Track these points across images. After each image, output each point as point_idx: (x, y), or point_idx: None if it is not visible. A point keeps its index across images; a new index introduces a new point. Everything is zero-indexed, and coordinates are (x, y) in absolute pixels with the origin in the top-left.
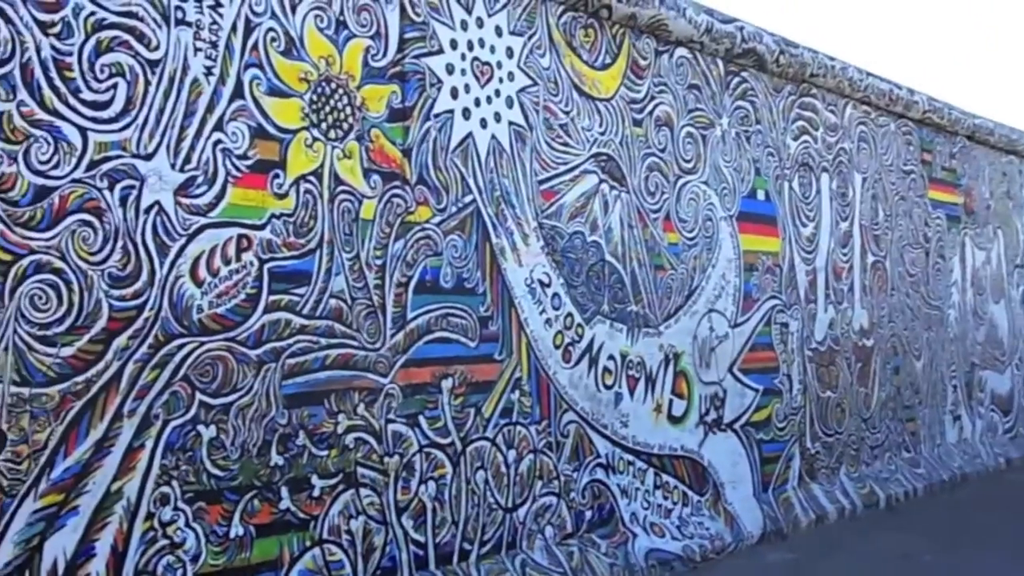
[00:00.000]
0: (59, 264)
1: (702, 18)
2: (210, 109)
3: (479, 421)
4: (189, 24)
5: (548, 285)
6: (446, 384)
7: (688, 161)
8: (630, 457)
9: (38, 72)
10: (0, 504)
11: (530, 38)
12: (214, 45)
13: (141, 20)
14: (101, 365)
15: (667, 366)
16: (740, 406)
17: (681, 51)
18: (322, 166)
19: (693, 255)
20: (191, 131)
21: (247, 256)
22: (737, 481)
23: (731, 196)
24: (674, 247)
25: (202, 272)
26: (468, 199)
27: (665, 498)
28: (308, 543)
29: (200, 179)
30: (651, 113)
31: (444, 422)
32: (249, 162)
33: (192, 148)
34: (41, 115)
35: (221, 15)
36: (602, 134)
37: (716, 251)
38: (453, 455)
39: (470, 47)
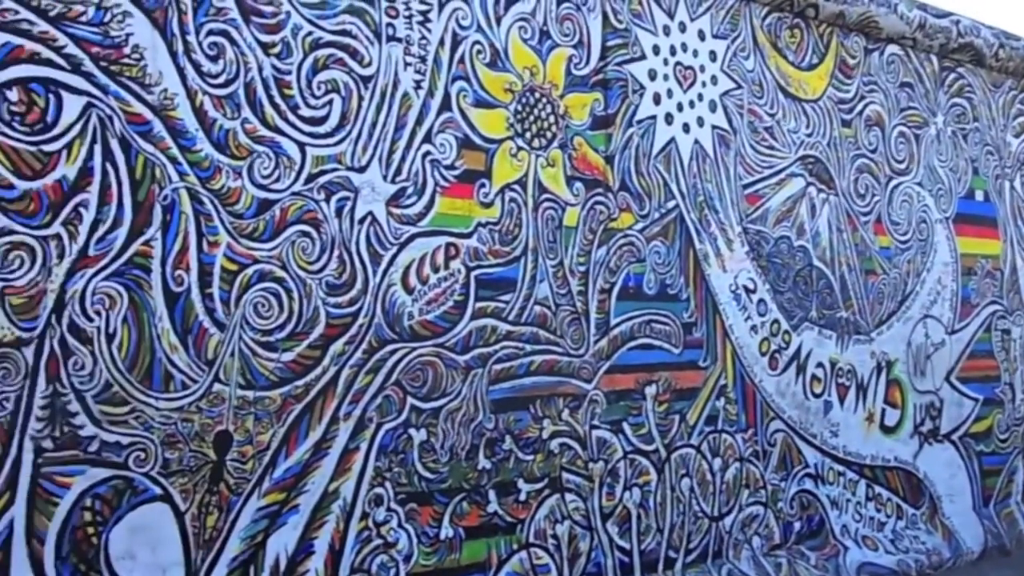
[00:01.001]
0: (280, 273)
1: (915, 13)
2: (419, 122)
3: (684, 428)
4: (399, 40)
5: (753, 291)
6: (650, 391)
7: (900, 162)
8: (840, 467)
9: (260, 91)
10: (227, 502)
11: (733, 40)
12: (423, 59)
13: (354, 38)
14: (319, 370)
15: (879, 374)
16: (958, 416)
17: (892, 48)
18: (526, 175)
19: (906, 259)
20: (401, 143)
21: (455, 264)
22: (955, 494)
23: (947, 197)
24: (886, 251)
25: (412, 280)
26: (671, 205)
27: (878, 510)
28: (515, 546)
29: (410, 190)
30: (861, 113)
31: (648, 429)
32: (456, 172)
33: (403, 160)
34: (263, 131)
35: (429, 30)
36: (809, 136)
37: (931, 254)
38: (657, 462)
39: (672, 52)
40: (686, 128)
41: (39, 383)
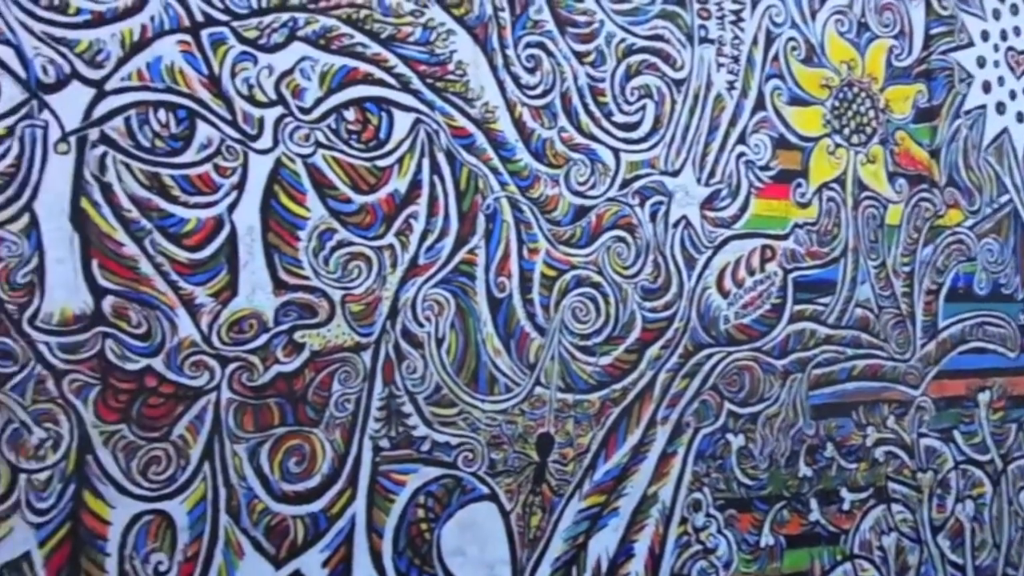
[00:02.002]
0: (597, 278)
1: None
2: (732, 123)
3: (1021, 438)
4: (711, 41)
5: None
6: (983, 397)
7: None
8: None
9: (575, 100)
10: (550, 502)
11: None
12: (735, 60)
13: (667, 42)
14: (635, 374)
15: None
16: None
17: None
18: (844, 172)
19: None
20: (715, 146)
21: (771, 266)
22: None
23: None
24: None
25: (727, 283)
26: (1004, 199)
27: None
28: (839, 557)
29: (724, 192)
30: None
31: (982, 438)
32: (771, 173)
33: (716, 162)
34: (579, 139)
35: (742, 29)
36: None
37: None
38: (993, 473)
39: (1004, 37)
40: (1020, 117)
41: (376, 385)
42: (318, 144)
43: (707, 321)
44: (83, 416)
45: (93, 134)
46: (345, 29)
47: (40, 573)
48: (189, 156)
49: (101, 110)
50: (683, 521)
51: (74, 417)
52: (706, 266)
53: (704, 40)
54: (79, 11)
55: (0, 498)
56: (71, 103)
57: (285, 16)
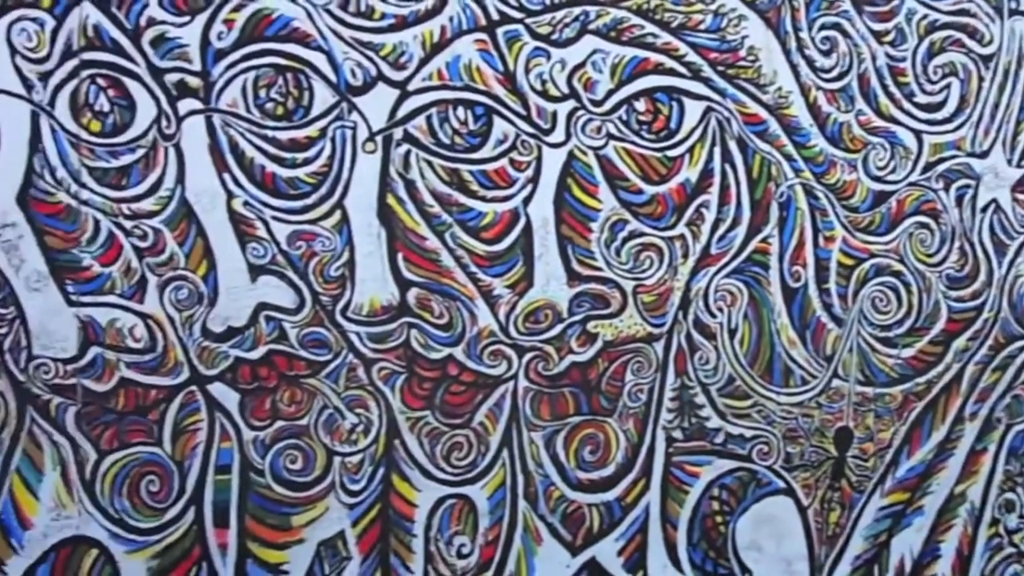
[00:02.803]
0: (898, 267)
1: None
2: None
3: None
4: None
5: None
6: None
7: None
8: None
9: (874, 81)
10: (850, 499)
11: None
12: None
13: (973, 16)
14: (941, 367)
15: None
16: None
17: None
18: None
19: None
20: None
21: None
22: None
23: None
24: None
25: None
26: None
27: None
28: None
29: None
30: None
31: None
32: None
33: None
34: (877, 122)
35: None
36: None
37: None
38: None
39: None
40: None
41: (668, 376)
42: (609, 136)
43: (1019, 311)
44: (391, 402)
45: (397, 133)
46: (635, 20)
47: (353, 551)
48: (486, 152)
49: (404, 110)
50: (994, 522)
51: (383, 403)
52: (1018, 253)
53: (1015, 12)
54: (383, 16)
55: (316, 479)
56: (377, 104)
57: (577, 10)
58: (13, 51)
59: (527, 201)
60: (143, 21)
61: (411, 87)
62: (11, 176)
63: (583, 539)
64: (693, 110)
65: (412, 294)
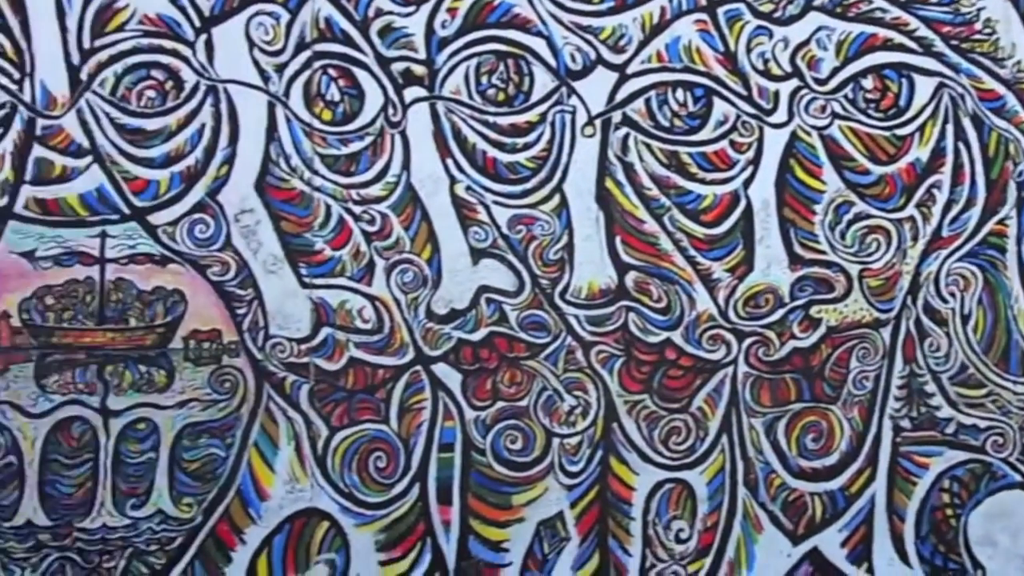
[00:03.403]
0: None
1: None
2: None
3: None
4: None
5: None
6: None
7: None
8: None
9: None
10: None
11: None
12: None
13: None
14: None
15: None
16: None
17: None
18: None
19: None
20: None
21: None
22: None
23: None
24: None
25: None
26: None
27: None
28: None
29: None
30: None
31: None
32: None
33: None
34: None
35: None
36: None
37: None
38: None
39: None
40: None
41: (896, 363)
42: (834, 115)
43: None
44: (609, 385)
45: (616, 116)
46: None
47: (572, 531)
48: (706, 133)
49: (623, 93)
50: None
51: (601, 386)
52: None
53: None
54: None
55: (536, 460)
56: (596, 88)
57: None
58: (251, 44)
59: (748, 183)
60: (371, 12)
61: (630, 70)
62: (249, 164)
63: (805, 528)
64: (924, 87)
65: (630, 277)
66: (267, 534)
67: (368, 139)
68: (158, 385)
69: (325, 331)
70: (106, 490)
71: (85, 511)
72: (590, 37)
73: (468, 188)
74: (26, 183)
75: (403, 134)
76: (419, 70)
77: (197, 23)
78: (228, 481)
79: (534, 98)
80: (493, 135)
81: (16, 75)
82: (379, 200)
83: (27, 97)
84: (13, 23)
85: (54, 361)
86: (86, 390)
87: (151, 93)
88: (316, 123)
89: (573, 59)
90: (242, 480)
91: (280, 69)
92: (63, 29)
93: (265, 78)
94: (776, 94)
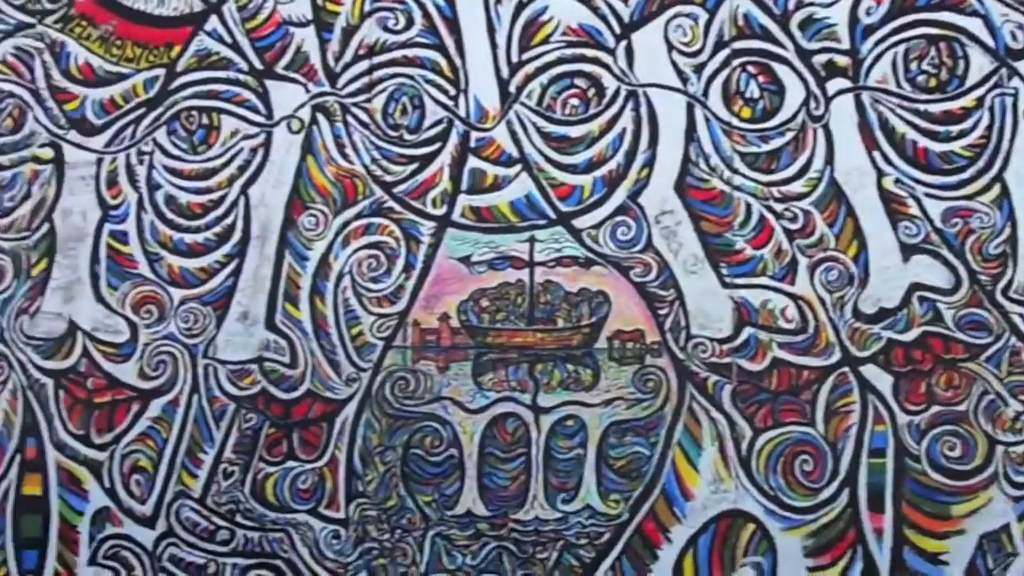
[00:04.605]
0: None
1: None
2: None
3: None
4: None
5: None
6: None
7: None
8: None
9: None
10: None
11: None
12: None
13: None
14: None
15: None
16: None
17: None
18: None
19: None
20: None
21: None
22: None
23: None
24: None
25: None
26: None
27: None
28: None
29: None
30: None
31: None
32: None
33: None
34: None
35: None
36: None
37: None
38: None
39: None
40: None
41: None
42: None
43: None
44: None
45: None
46: None
47: (1020, 546)
48: None
49: None
50: None
51: None
52: None
53: None
54: None
55: (977, 468)
56: None
57: None
58: (670, 47)
59: None
60: (791, 5)
61: None
62: (669, 165)
63: None
64: None
65: None
66: (692, 534)
67: (789, 135)
68: (585, 384)
69: (747, 331)
70: (538, 484)
71: (519, 503)
72: None
73: (897, 181)
74: (462, 192)
75: (826, 128)
76: (842, 61)
77: (617, 30)
78: (653, 479)
79: (970, 82)
80: (924, 124)
81: (452, 92)
82: (801, 197)
83: (462, 112)
84: (448, 43)
85: (489, 360)
86: (518, 387)
87: (574, 101)
88: (735, 121)
89: (1014, 37)
90: (666, 479)
91: (698, 69)
92: (493, 45)
93: (683, 79)
94: None
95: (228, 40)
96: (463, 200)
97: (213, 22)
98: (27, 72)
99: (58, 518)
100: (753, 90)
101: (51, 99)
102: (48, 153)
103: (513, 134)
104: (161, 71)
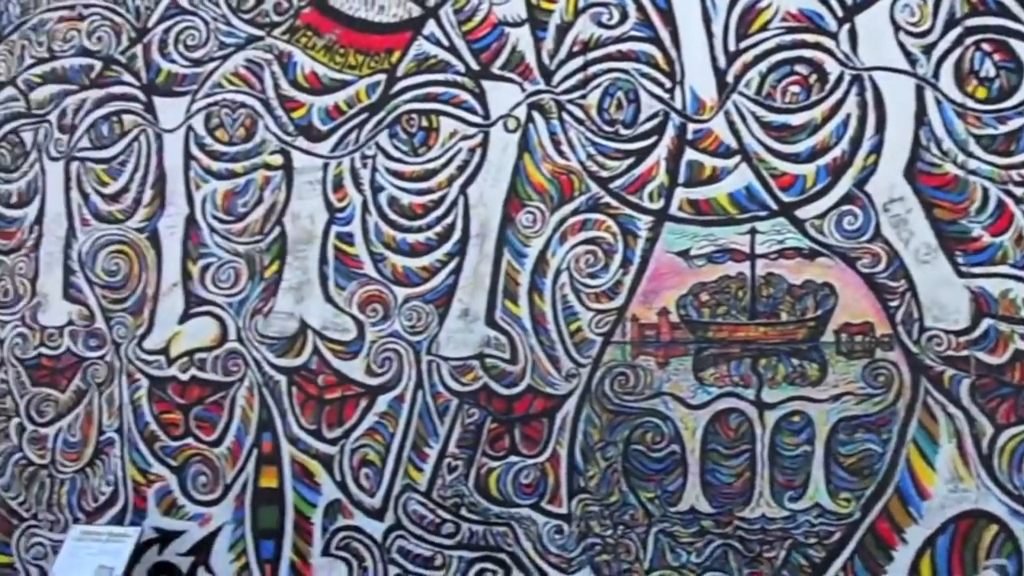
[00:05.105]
0: None
1: None
2: None
3: None
4: None
5: None
6: None
7: None
8: None
9: None
10: None
11: None
12: None
13: None
14: None
15: None
16: None
17: None
18: None
19: None
20: None
21: None
22: None
23: None
24: None
25: None
26: None
27: None
28: None
29: None
30: None
31: None
32: None
33: None
34: None
35: None
36: None
37: None
38: None
39: None
40: None
41: None
42: None
43: None
44: None
45: None
46: None
47: None
48: None
49: None
50: None
51: None
52: None
53: None
54: None
55: None
56: None
57: None
58: (896, 28)
59: None
60: None
61: None
62: (898, 151)
63: None
64: None
65: None
66: (929, 534)
67: None
68: (811, 379)
69: (986, 323)
70: (764, 481)
71: (744, 500)
72: None
73: None
74: (679, 186)
75: None
76: None
77: (840, 13)
78: (886, 477)
79: None
80: None
81: (667, 84)
82: None
83: (678, 104)
84: (664, 35)
85: (710, 355)
86: (741, 383)
87: (795, 88)
88: (970, 103)
89: None
90: (900, 477)
91: (928, 50)
92: (709, 35)
93: (912, 61)
94: None
95: (445, 43)
96: (680, 193)
97: (431, 26)
98: (257, 83)
99: (293, 510)
100: (988, 69)
101: (280, 107)
102: (278, 159)
103: (731, 124)
104: (382, 76)
